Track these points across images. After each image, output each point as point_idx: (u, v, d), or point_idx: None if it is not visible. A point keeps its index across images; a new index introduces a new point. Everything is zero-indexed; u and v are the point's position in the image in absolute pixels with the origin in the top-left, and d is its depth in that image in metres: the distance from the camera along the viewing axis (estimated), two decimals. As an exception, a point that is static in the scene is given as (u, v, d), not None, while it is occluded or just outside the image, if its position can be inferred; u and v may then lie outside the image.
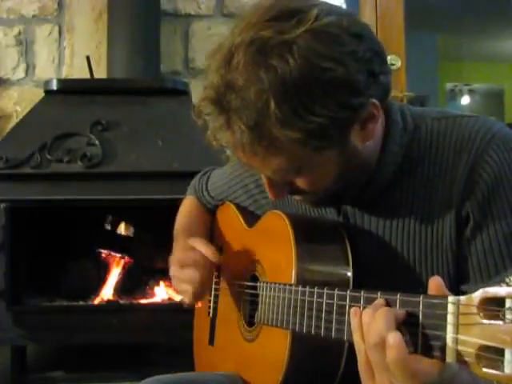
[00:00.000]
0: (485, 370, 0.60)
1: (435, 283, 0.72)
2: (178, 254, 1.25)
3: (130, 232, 2.60)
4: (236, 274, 1.22)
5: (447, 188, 0.93)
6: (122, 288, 2.51)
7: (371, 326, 0.73)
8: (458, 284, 0.93)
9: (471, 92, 8.68)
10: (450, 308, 0.65)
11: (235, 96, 0.84)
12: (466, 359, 0.63)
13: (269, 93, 0.82)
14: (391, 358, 0.69)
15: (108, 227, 2.59)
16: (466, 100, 8.70)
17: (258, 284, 1.10)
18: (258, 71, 0.83)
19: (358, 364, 0.77)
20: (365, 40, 0.88)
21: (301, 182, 0.93)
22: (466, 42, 7.07)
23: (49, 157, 2.29)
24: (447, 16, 5.91)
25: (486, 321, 0.61)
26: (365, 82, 0.86)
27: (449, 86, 8.43)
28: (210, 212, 1.39)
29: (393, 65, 2.89)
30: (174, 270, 1.23)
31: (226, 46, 0.87)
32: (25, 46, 2.85)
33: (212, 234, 1.37)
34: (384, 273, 0.98)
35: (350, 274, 0.97)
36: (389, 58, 2.88)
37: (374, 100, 0.88)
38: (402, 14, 2.94)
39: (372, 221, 1.01)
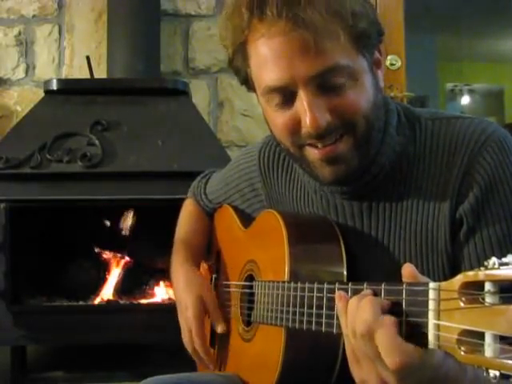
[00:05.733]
0: (465, 354, 0.60)
1: (408, 271, 0.71)
2: (183, 315, 1.25)
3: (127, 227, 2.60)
4: (234, 275, 1.22)
5: (441, 190, 0.93)
6: (121, 288, 2.51)
7: (357, 314, 0.72)
8: None
9: (471, 92, 8.68)
10: (431, 294, 0.65)
11: None
12: (448, 345, 0.62)
13: None
14: (383, 340, 0.68)
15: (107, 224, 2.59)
16: (466, 100, 8.70)
17: (254, 283, 1.11)
18: None
19: (346, 349, 0.77)
20: None
21: (342, 100, 0.90)
22: (466, 43, 7.07)
23: (49, 157, 2.29)
24: (447, 16, 5.91)
25: (466, 305, 0.60)
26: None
27: (449, 86, 8.42)
28: (208, 215, 1.40)
29: (393, 65, 2.89)
30: (179, 315, 1.26)
31: None
32: (25, 46, 2.85)
33: (211, 237, 1.38)
34: (379, 274, 0.98)
35: (344, 272, 0.96)
36: (389, 58, 2.88)
37: (380, 47, 0.95)
38: (402, 14, 2.93)
39: (368, 221, 1.01)
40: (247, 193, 1.26)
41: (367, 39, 0.91)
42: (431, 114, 1.00)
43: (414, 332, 0.68)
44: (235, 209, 1.30)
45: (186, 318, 1.23)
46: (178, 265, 1.30)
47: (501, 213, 0.90)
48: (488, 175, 0.90)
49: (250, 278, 1.14)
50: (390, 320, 0.69)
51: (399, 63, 2.91)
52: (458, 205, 0.91)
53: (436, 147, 0.95)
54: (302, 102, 0.89)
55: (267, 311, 1.01)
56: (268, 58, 0.90)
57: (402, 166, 0.97)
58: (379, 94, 0.95)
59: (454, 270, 0.93)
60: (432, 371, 0.70)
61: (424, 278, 0.71)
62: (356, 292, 0.77)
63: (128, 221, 2.56)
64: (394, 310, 0.71)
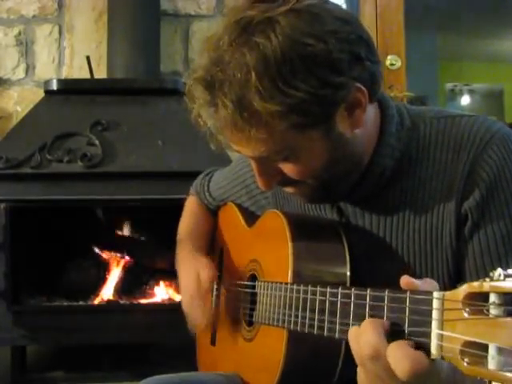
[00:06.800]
0: (468, 366, 0.59)
1: (406, 282, 0.71)
2: (185, 282, 1.26)
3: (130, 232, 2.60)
4: (237, 274, 1.22)
5: (446, 187, 0.93)
6: (122, 288, 2.51)
7: (361, 339, 0.71)
8: (458, 282, 0.93)
9: (471, 92, 8.68)
10: (435, 304, 0.64)
11: (219, 71, 0.86)
12: (451, 355, 0.62)
13: (250, 66, 0.83)
14: (405, 368, 0.66)
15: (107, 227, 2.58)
16: (466, 100, 8.70)
17: (257, 283, 1.11)
18: (242, 47, 0.85)
19: (358, 378, 0.76)
20: (349, 24, 0.89)
21: (289, 169, 0.92)
22: (466, 42, 7.07)
23: (49, 157, 2.29)
24: (447, 16, 5.90)
25: (470, 316, 0.60)
26: (347, 63, 0.86)
27: (449, 86, 8.42)
28: (212, 213, 1.40)
29: (393, 65, 2.89)
30: (184, 301, 1.26)
31: (216, 31, 0.90)
32: (25, 46, 2.85)
33: (214, 234, 1.38)
34: (383, 272, 0.98)
35: (347, 273, 0.96)
36: (389, 58, 2.88)
37: (359, 85, 0.88)
38: (402, 14, 2.94)
39: (371, 220, 1.01)
40: (253, 189, 1.26)
41: (307, 107, 0.85)
42: (436, 113, 1.00)
43: (415, 341, 0.67)
44: (239, 207, 1.30)
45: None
46: (186, 252, 1.30)
47: (505, 210, 0.90)
48: (493, 172, 0.90)
49: (253, 278, 1.14)
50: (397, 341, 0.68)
51: (399, 63, 2.91)
52: (463, 201, 0.91)
53: (441, 145, 0.95)
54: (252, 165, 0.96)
55: (269, 312, 1.01)
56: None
57: (403, 167, 0.97)
58: (344, 147, 0.92)
59: (458, 266, 0.93)
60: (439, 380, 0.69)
61: (424, 287, 0.71)
62: (359, 297, 0.76)
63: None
64: (396, 318, 0.70)
